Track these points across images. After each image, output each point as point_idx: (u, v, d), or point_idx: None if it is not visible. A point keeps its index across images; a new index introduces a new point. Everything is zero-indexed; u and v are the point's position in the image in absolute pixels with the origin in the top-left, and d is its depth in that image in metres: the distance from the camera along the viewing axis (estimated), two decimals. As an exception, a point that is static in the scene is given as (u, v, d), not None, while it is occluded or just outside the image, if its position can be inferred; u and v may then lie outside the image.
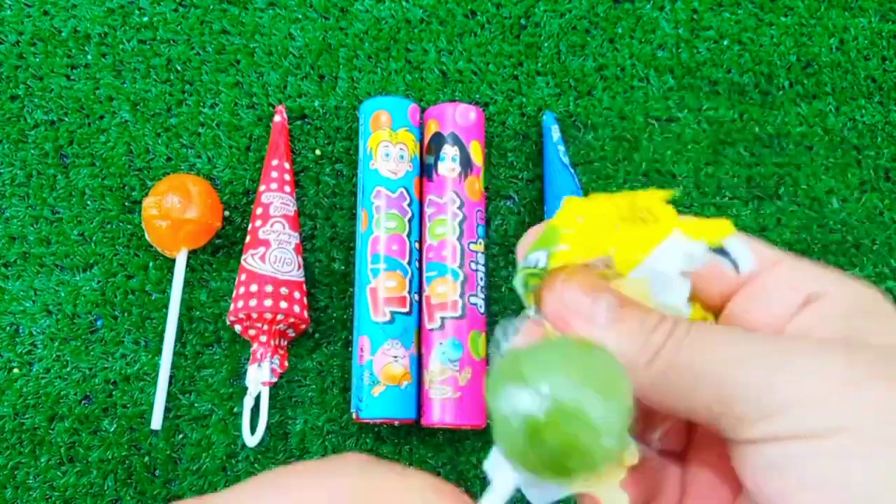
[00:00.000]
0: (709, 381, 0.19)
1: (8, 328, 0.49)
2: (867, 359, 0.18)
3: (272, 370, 0.48)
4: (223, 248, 0.51)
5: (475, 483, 0.48)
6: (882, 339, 0.19)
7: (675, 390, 0.20)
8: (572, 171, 0.51)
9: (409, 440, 0.49)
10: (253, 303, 0.46)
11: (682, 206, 0.53)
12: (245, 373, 0.48)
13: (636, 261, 0.21)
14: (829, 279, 0.21)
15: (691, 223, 0.20)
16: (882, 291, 0.21)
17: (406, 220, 0.49)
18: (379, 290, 0.47)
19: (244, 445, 0.48)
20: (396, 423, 0.47)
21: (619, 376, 0.19)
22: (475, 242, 0.49)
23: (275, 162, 0.51)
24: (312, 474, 0.19)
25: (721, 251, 0.20)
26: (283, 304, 0.47)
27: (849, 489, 0.17)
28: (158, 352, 0.49)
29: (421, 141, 0.51)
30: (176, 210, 0.48)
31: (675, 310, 0.21)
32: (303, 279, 0.49)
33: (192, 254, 0.50)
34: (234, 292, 0.48)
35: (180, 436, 0.48)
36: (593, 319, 0.21)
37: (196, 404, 0.48)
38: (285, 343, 0.49)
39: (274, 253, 0.48)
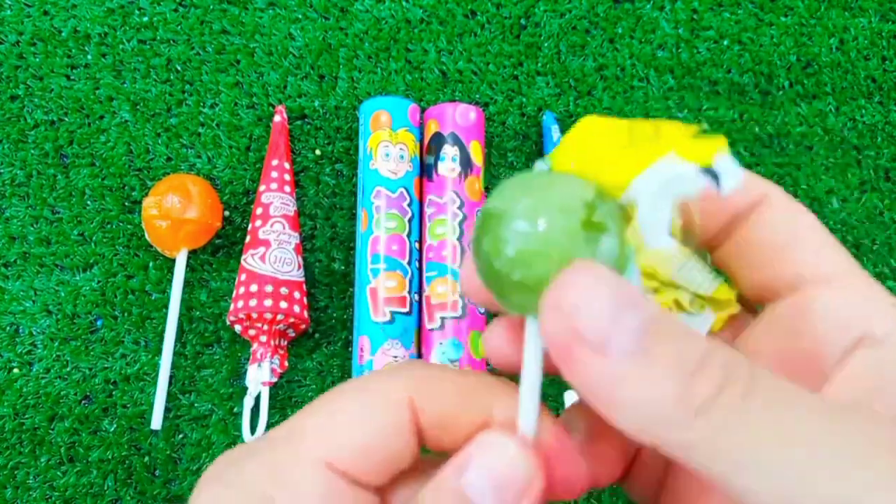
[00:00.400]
0: (759, 475, 0.15)
1: (8, 328, 0.49)
2: None
3: (272, 370, 0.48)
4: (223, 248, 0.51)
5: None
6: None
7: (708, 465, 0.15)
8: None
9: (409, 440, 0.49)
10: (253, 303, 0.46)
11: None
12: (245, 373, 0.48)
13: (624, 183, 0.18)
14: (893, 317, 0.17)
15: (689, 142, 0.17)
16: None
17: (406, 220, 0.49)
18: (379, 290, 0.47)
19: (244, 445, 0.48)
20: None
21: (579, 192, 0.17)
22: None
23: (275, 162, 0.51)
24: (384, 374, 0.20)
25: (711, 171, 0.18)
26: (283, 304, 0.47)
27: None
28: (158, 352, 0.49)
29: (421, 141, 0.51)
30: (176, 210, 0.48)
31: (690, 279, 0.19)
32: (303, 279, 0.49)
33: (192, 254, 0.50)
34: (234, 292, 0.48)
35: (180, 436, 0.48)
36: (608, 349, 0.15)
37: (196, 404, 0.48)
38: (285, 343, 0.49)
39: (274, 253, 0.48)
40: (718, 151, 0.17)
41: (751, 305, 0.21)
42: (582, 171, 0.18)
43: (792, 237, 0.19)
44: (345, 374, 0.49)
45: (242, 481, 0.18)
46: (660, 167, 0.17)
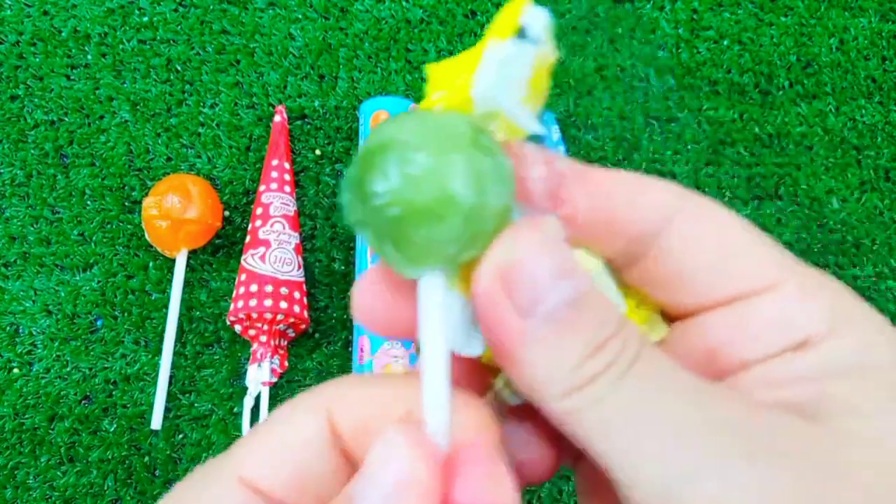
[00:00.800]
0: (611, 451, 0.15)
1: (8, 328, 0.49)
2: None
3: (272, 370, 0.48)
4: (223, 248, 0.51)
5: (475, 483, 0.48)
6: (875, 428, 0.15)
7: (574, 434, 0.16)
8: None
9: (409, 440, 0.49)
10: (253, 303, 0.46)
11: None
12: (245, 373, 0.48)
13: (466, 97, 0.16)
14: (842, 314, 0.17)
15: (499, 21, 0.16)
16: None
17: (406, 220, 0.49)
18: (379, 290, 0.47)
19: (244, 445, 0.48)
20: (396, 423, 0.47)
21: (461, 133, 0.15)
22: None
23: (275, 162, 0.51)
24: (309, 392, 0.18)
25: (524, 34, 0.16)
26: (283, 304, 0.47)
27: None
28: (158, 352, 0.49)
29: (421, 141, 0.51)
30: (176, 210, 0.48)
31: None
32: (303, 279, 0.49)
33: (192, 254, 0.50)
34: (234, 292, 0.48)
35: (180, 436, 0.48)
36: (533, 312, 0.15)
37: (196, 404, 0.48)
38: (285, 343, 0.49)
39: (274, 253, 0.48)
40: (521, 11, 0.16)
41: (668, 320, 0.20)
42: (449, 106, 0.17)
43: (717, 248, 0.18)
44: (345, 374, 0.49)
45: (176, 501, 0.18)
46: (484, 61, 0.16)
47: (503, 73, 0.16)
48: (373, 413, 0.18)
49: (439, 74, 0.17)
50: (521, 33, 0.16)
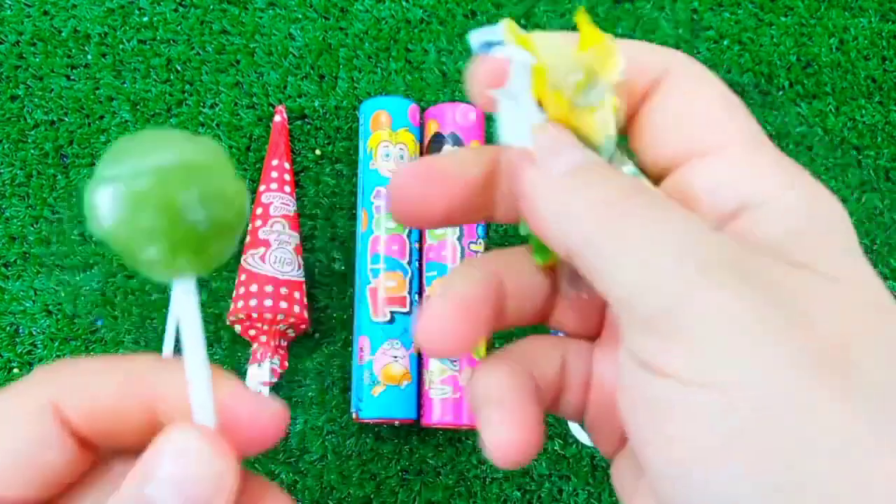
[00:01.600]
0: (604, 262, 0.17)
1: (8, 328, 0.49)
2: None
3: (272, 370, 0.48)
4: (223, 248, 0.51)
5: (475, 483, 0.48)
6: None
7: (576, 254, 0.18)
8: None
9: (409, 440, 0.49)
10: (253, 303, 0.46)
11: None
12: (245, 373, 0.48)
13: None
14: (774, 182, 0.18)
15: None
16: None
17: (406, 220, 0.49)
18: (379, 290, 0.47)
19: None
20: (396, 423, 0.47)
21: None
22: (475, 242, 0.49)
23: (275, 162, 0.51)
24: (21, 383, 0.18)
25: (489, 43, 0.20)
26: (283, 305, 0.47)
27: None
28: (158, 352, 0.49)
29: (421, 141, 0.51)
30: (176, 210, 0.48)
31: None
32: (303, 279, 0.49)
33: (192, 254, 0.50)
34: (234, 292, 0.48)
35: (180, 436, 0.48)
36: (549, 167, 0.18)
37: (196, 404, 0.48)
38: (285, 343, 0.49)
39: (274, 253, 0.48)
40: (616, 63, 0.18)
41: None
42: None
43: (686, 111, 0.19)
44: (345, 374, 0.49)
45: None
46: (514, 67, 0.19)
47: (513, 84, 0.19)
48: (105, 402, 0.18)
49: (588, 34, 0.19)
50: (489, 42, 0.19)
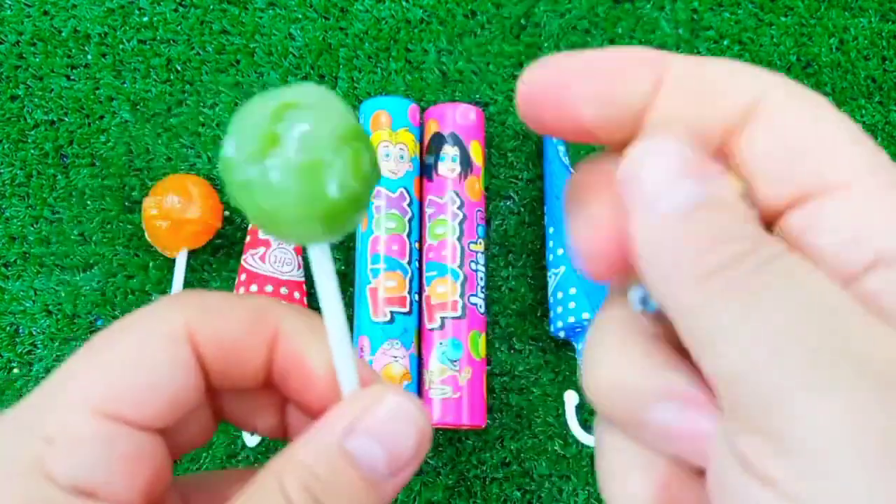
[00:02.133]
0: (711, 348, 0.14)
1: (8, 328, 0.49)
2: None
3: (272, 370, 0.48)
4: (223, 248, 0.51)
5: (475, 483, 0.48)
6: None
7: (688, 331, 0.14)
8: (572, 171, 0.51)
9: (409, 440, 0.49)
10: (253, 303, 0.46)
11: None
12: (245, 373, 0.48)
13: None
14: None
15: None
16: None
17: (406, 220, 0.49)
18: (379, 290, 0.47)
19: (244, 445, 0.48)
20: (396, 423, 0.47)
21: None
22: (475, 242, 0.49)
23: (275, 162, 0.51)
24: (158, 306, 0.18)
25: None
26: (283, 304, 0.47)
27: None
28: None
29: (421, 141, 0.51)
30: (176, 210, 0.48)
31: None
32: (303, 279, 0.49)
33: (192, 254, 0.50)
34: (234, 292, 0.48)
35: (180, 436, 0.48)
36: (656, 205, 0.15)
37: (196, 404, 0.48)
38: (285, 343, 0.49)
39: (274, 253, 0.48)
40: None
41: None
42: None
43: (797, 140, 0.16)
44: (345, 374, 0.49)
45: (17, 425, 0.17)
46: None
47: None
48: (233, 334, 0.18)
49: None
50: None
